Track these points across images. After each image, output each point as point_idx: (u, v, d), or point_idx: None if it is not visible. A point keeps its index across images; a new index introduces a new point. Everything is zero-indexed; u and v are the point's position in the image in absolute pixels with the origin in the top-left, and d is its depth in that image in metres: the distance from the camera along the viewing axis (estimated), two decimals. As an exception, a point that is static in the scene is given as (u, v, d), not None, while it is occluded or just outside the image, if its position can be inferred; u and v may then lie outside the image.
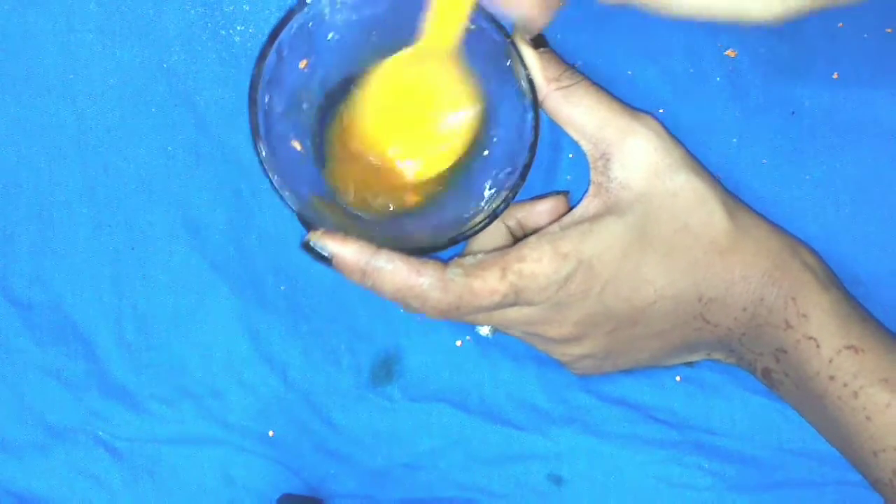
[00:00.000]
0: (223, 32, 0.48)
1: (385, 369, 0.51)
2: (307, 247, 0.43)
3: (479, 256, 0.43)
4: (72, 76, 0.48)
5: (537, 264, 0.42)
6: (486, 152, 0.45)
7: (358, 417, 0.51)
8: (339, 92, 0.46)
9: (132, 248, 0.50)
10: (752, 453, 0.50)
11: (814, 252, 0.46)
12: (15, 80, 0.48)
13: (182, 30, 0.48)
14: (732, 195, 0.46)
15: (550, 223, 0.45)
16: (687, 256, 0.43)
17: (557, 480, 0.51)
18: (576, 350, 0.46)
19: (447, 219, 0.44)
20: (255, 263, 0.50)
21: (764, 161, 0.48)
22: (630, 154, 0.43)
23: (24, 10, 0.48)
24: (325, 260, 0.42)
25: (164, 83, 0.48)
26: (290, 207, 0.42)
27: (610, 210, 0.43)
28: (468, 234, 0.42)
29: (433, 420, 0.51)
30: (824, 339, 0.43)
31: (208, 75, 0.48)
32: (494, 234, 0.46)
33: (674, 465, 0.50)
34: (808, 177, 0.48)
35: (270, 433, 0.51)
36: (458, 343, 0.50)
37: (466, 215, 0.43)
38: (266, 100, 0.42)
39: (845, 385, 0.43)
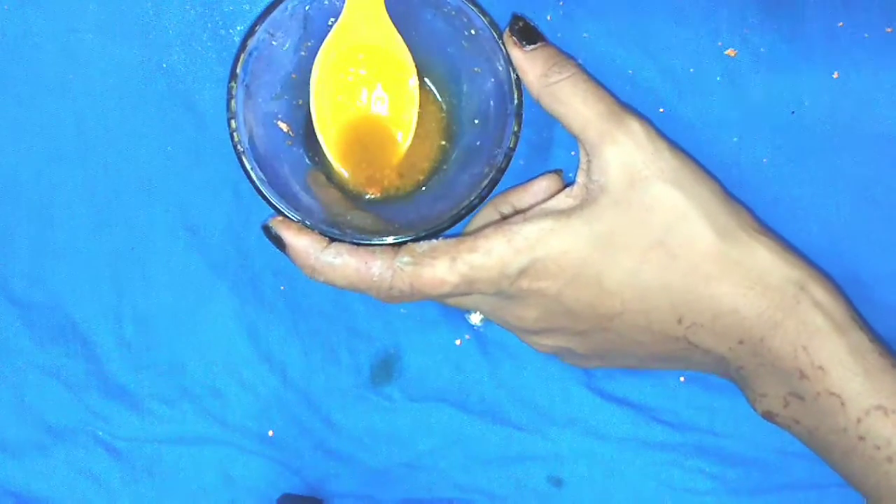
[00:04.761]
0: (223, 32, 0.48)
1: (385, 369, 0.51)
2: (266, 230, 0.43)
3: (433, 242, 0.42)
4: (72, 76, 0.48)
5: (486, 257, 0.40)
6: (471, 142, 0.45)
7: (358, 417, 0.51)
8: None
9: (132, 248, 0.50)
10: (754, 455, 0.50)
11: (828, 282, 0.42)
12: (15, 80, 0.48)
13: (182, 30, 0.48)
14: (734, 211, 0.42)
15: (545, 200, 0.44)
16: (661, 277, 0.41)
17: (557, 482, 0.51)
18: (546, 341, 0.45)
19: (430, 208, 0.44)
20: (254, 263, 0.50)
21: (764, 160, 0.48)
22: (608, 161, 0.41)
23: (24, 10, 0.48)
24: (282, 246, 0.42)
25: (164, 83, 0.48)
26: (262, 194, 0.42)
27: (582, 210, 0.41)
28: (443, 227, 0.42)
29: (433, 420, 0.51)
30: (849, 397, 0.40)
31: (208, 75, 0.48)
32: (486, 220, 0.45)
33: (675, 468, 0.50)
34: (808, 176, 0.48)
35: (270, 433, 0.51)
36: (458, 342, 0.50)
37: (449, 206, 0.43)
38: (251, 78, 0.42)
39: (878, 448, 0.39)
